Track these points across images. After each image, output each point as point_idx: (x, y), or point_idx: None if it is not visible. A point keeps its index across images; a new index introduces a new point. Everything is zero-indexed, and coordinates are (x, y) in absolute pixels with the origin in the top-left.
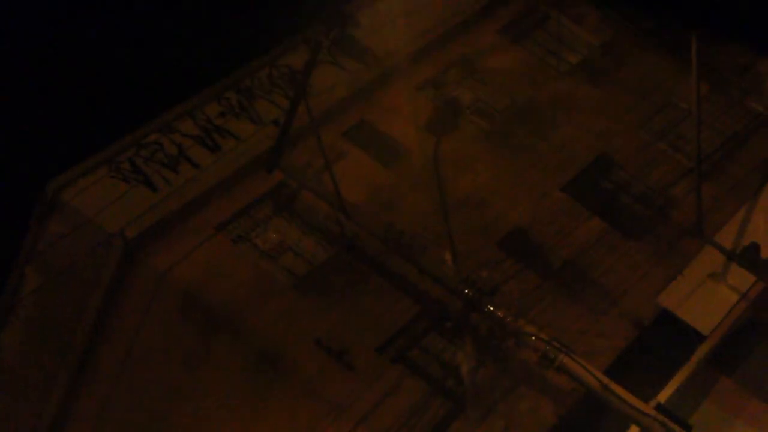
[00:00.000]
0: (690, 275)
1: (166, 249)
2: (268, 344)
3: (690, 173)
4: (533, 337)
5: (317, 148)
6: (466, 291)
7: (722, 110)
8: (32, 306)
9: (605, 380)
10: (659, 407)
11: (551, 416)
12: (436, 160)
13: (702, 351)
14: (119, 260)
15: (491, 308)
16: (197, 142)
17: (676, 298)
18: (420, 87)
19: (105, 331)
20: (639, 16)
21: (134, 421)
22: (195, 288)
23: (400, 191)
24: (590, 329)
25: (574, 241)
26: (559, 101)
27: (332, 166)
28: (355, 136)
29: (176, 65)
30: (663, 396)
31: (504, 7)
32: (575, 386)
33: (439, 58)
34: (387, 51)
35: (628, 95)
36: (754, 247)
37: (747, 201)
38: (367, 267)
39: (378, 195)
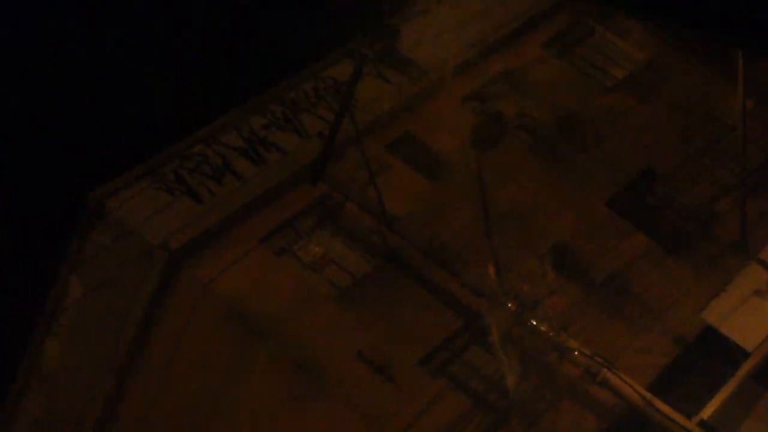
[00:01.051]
0: (734, 291)
1: (209, 260)
2: (310, 356)
3: (735, 189)
4: (576, 352)
5: (361, 160)
6: (509, 304)
7: (767, 126)
8: (75, 315)
9: (648, 396)
10: (702, 423)
11: (593, 431)
12: (479, 173)
13: (746, 367)
14: (162, 271)
15: (534, 322)
16: (242, 154)
17: (720, 313)
18: (464, 100)
19: (147, 341)
20: (684, 31)
21: (175, 431)
22: (237, 299)
23: (444, 204)
24: (633, 344)
25: (617, 255)
26: (603, 116)
27: (376, 178)
28: (399, 149)
29: (221, 77)
30: (706, 412)
31: (548, 21)
32: (618, 402)
33: (484, 72)
34: (431, 64)
35: (672, 110)
36: None
37: None
38: (409, 280)
39: (421, 208)
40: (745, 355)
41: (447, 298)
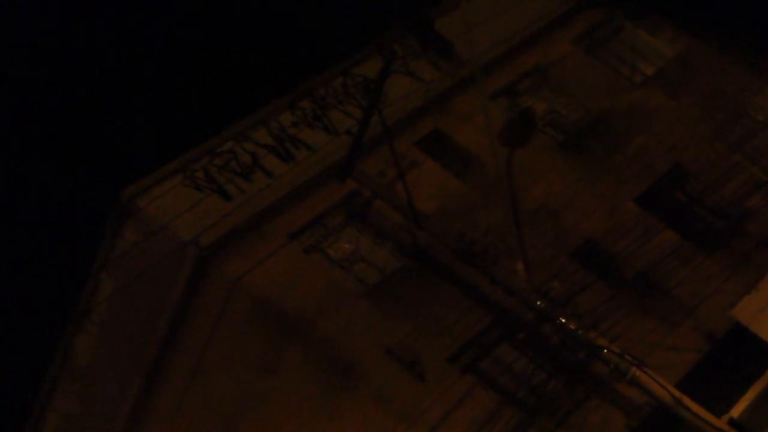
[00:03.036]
0: (765, 289)
1: (239, 257)
2: (340, 353)
3: (765, 185)
4: (605, 350)
5: (390, 157)
6: (538, 302)
7: None
8: (107, 312)
9: (677, 394)
10: (732, 422)
11: (623, 429)
12: (508, 170)
13: None
14: (193, 268)
15: (563, 320)
16: (271, 151)
17: (750, 311)
18: (494, 96)
19: (178, 337)
20: (714, 27)
21: (206, 428)
22: (267, 296)
23: (473, 201)
24: (663, 342)
25: (647, 252)
26: (633, 112)
27: (405, 175)
28: (428, 146)
29: (250, 74)
30: (736, 411)
31: (578, 17)
32: (647, 399)
33: (513, 68)
34: (461, 60)
35: (703, 106)
36: None
37: None
38: (438, 277)
39: (450, 205)
40: None
41: (476, 295)
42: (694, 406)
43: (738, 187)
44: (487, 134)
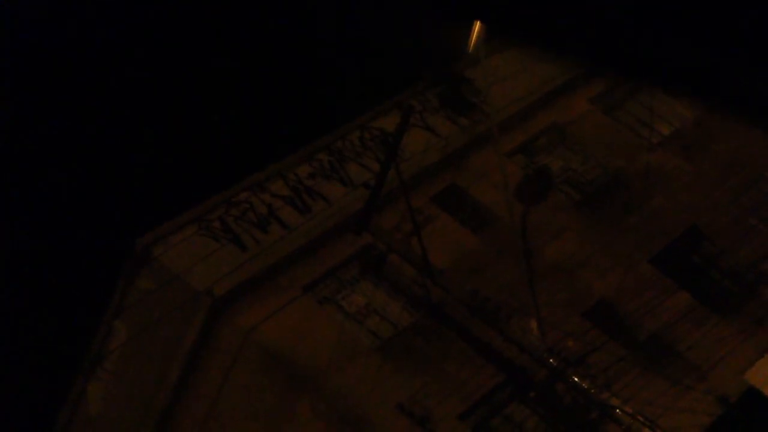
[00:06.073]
0: None
1: (252, 308)
2: (351, 406)
3: None
4: (618, 410)
5: (406, 211)
6: (551, 360)
7: None
8: (119, 359)
9: None
10: None
11: None
12: (524, 228)
13: None
14: (206, 317)
15: (576, 379)
16: (287, 203)
17: (764, 375)
18: (511, 153)
19: (189, 387)
20: (731, 89)
21: None
22: (280, 347)
23: (488, 258)
24: (675, 404)
25: (661, 314)
26: (650, 172)
27: (420, 230)
28: (445, 201)
29: (269, 126)
30: None
31: (596, 77)
32: None
33: (531, 126)
34: (479, 116)
35: (719, 169)
36: None
37: None
38: (452, 333)
39: (465, 261)
40: None
41: (489, 353)
42: None
43: (753, 251)
44: (503, 191)
